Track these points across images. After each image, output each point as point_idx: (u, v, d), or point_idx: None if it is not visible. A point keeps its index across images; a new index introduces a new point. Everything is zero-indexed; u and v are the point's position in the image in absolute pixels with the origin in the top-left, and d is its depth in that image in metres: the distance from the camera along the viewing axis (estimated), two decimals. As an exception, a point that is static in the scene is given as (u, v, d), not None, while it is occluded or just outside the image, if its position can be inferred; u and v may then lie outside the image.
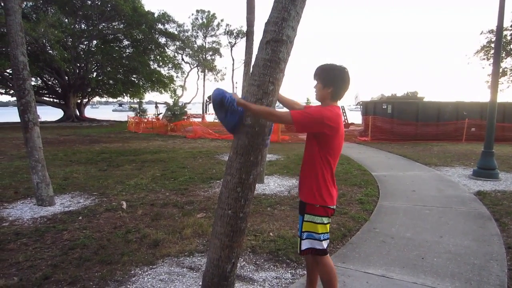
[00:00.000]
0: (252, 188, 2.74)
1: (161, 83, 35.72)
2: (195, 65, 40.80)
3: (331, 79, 2.46)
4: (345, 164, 9.30)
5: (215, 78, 42.31)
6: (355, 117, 28.81)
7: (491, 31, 22.12)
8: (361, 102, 19.87)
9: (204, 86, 40.67)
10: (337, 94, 2.48)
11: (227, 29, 39.79)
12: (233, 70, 40.77)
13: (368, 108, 17.26)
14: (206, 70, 40.83)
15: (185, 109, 23.66)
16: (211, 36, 40.42)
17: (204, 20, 39.42)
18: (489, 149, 7.86)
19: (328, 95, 2.48)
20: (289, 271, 3.48)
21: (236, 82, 39.94)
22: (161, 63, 36.22)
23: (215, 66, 41.58)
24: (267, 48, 2.53)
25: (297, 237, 2.68)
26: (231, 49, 40.49)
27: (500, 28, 7.66)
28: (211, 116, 32.05)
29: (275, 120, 2.44)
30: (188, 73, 40.98)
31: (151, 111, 30.17)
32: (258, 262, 3.67)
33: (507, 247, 4.11)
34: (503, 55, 22.06)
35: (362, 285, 3.22)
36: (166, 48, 36.71)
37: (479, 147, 12.15)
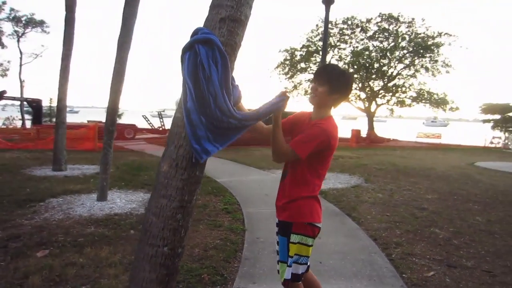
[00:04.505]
0: (192, 213, 2.09)
1: None
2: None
3: (341, 85, 2.13)
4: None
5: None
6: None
7: (286, 50, 25.50)
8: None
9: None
10: (339, 102, 2.19)
11: (12, 15, 33.08)
12: (20, 65, 34.16)
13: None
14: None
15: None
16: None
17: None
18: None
19: (331, 102, 2.15)
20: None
21: (23, 80, 33.58)
22: None
23: (-8, 59, 34.04)
24: (222, 27, 1.94)
25: (280, 263, 2.25)
26: (18, 40, 33.79)
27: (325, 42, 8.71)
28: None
29: (280, 158, 2.14)
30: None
31: None
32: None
33: (373, 240, 4.51)
34: (294, 72, 25.68)
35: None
36: None
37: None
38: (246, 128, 1.98)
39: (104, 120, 19.55)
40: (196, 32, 1.89)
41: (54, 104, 28.33)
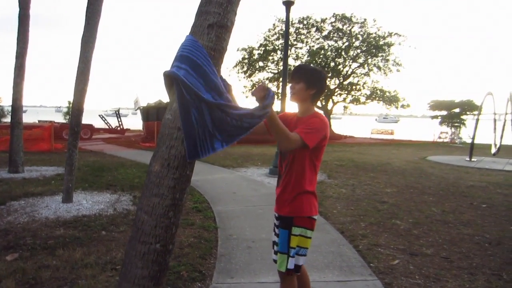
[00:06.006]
0: (182, 210, 2.16)
1: None
2: None
3: (315, 80, 2.29)
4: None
5: None
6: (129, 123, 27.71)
7: (244, 49, 25.61)
8: (141, 107, 19.25)
9: None
10: (317, 97, 2.34)
11: None
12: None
13: (150, 114, 16.90)
14: None
15: None
16: None
17: None
18: (279, 150, 8.98)
19: (309, 97, 2.30)
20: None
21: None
22: None
23: None
24: (210, 33, 2.04)
25: (279, 254, 2.31)
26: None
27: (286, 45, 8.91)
28: None
29: (289, 144, 2.10)
30: None
31: None
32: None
33: (341, 232, 4.75)
34: (253, 71, 25.86)
35: (272, 297, 3.05)
36: None
37: (252, 149, 13.74)
38: (251, 128, 1.98)
39: (56, 120, 18.84)
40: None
41: (2, 103, 26.82)
